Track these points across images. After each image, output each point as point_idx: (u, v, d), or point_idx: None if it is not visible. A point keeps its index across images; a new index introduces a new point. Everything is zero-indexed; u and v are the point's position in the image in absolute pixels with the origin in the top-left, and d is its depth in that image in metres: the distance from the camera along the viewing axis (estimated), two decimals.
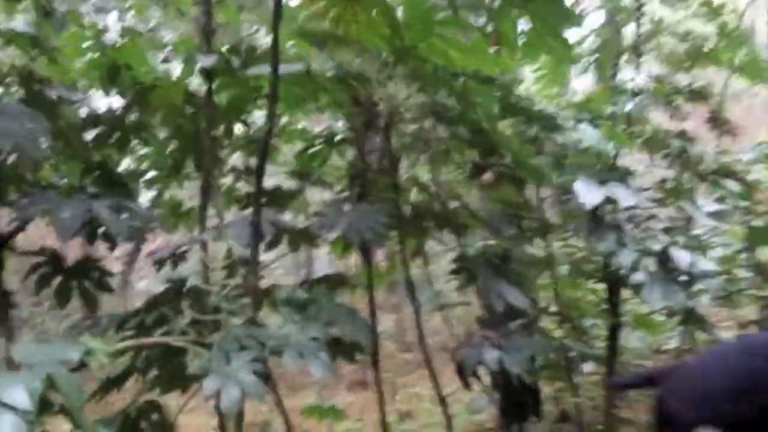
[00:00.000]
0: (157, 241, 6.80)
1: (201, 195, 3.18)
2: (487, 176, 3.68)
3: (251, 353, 2.14)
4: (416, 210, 3.54)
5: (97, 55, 3.50)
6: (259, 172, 2.57)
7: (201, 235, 2.98)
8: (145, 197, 4.24)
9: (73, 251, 4.54)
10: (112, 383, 2.89)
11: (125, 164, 4.31)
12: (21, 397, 1.43)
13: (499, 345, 2.72)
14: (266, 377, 2.24)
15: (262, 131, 4.34)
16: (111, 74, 3.45)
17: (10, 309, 3.14)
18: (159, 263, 4.02)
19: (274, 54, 2.52)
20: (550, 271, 4.00)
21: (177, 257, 3.93)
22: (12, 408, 1.42)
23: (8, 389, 1.43)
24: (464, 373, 2.72)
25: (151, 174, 4.18)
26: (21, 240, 3.00)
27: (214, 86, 3.16)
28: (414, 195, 3.82)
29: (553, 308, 4.10)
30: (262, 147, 2.61)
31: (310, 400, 7.16)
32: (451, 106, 3.32)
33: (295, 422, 5.12)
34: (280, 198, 3.58)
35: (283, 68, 2.59)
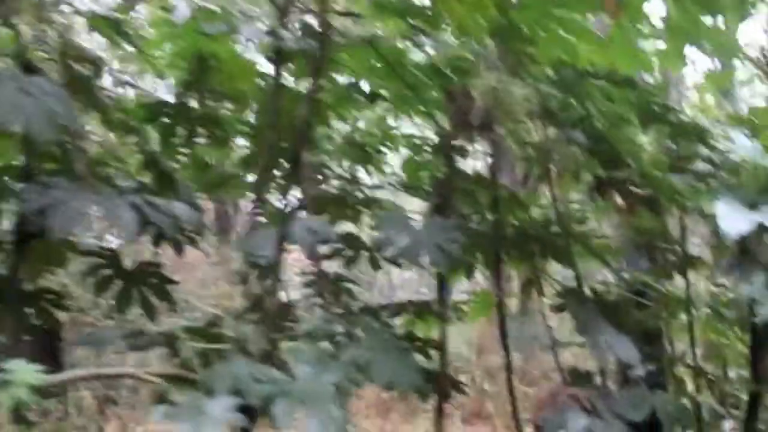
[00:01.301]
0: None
1: (255, 193, 2.70)
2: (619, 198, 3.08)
3: (238, 399, 1.67)
4: (520, 231, 2.95)
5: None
6: (294, 164, 2.08)
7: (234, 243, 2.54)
8: None
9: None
10: None
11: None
12: None
13: (593, 407, 2.09)
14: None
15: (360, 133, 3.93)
16: (198, 66, 3.09)
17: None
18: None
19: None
20: (687, 314, 3.27)
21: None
22: None
23: None
24: None
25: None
26: None
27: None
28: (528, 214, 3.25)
29: (689, 357, 3.35)
30: (298, 133, 2.11)
31: (422, 430, 6.65)
32: (564, 104, 2.73)
33: None
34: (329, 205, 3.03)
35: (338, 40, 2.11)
